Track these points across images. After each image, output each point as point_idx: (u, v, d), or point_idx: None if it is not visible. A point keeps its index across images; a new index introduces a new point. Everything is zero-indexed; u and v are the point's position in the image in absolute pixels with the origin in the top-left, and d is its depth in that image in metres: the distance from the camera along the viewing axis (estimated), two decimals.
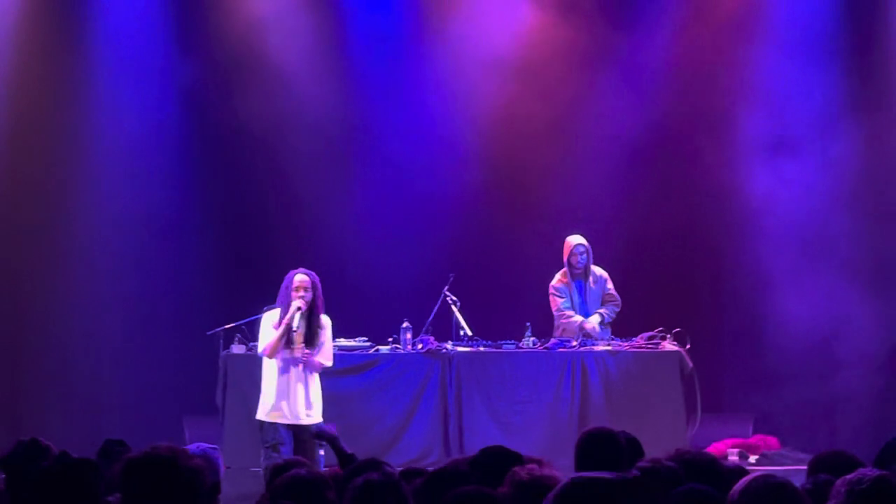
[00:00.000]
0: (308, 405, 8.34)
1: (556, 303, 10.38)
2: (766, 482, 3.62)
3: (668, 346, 10.10)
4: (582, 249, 10.31)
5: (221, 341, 9.92)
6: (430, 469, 4.69)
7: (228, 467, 8.19)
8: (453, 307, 10.18)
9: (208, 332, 9.92)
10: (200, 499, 3.51)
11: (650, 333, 10.17)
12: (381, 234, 11.93)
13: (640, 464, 4.50)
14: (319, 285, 8.39)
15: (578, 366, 9.92)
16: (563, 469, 4.50)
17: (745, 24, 11.80)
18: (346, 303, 11.51)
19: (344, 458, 6.12)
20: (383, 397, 9.85)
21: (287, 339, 8.28)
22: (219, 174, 11.91)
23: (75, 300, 11.45)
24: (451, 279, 10.26)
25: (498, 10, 11.98)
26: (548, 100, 11.87)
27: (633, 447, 5.37)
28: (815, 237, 11.49)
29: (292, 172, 11.96)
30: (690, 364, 9.96)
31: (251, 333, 9.83)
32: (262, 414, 8.37)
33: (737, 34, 11.78)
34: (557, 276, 10.45)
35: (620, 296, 10.49)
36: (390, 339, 10.10)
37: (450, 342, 10.12)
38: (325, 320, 8.44)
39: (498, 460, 4.58)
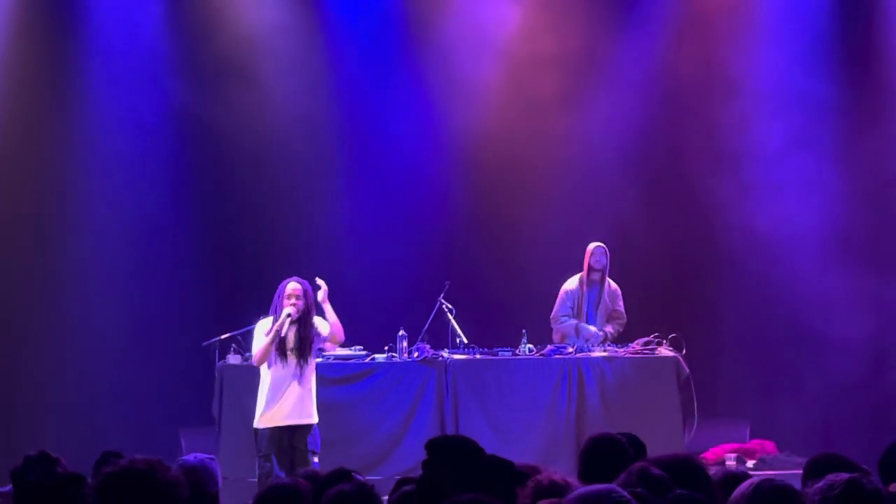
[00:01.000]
0: (302, 409, 8.43)
1: (558, 308, 10.41)
2: (768, 485, 3.63)
3: (665, 351, 10.11)
4: (602, 250, 10.36)
5: (217, 352, 9.91)
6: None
7: (225, 478, 8.19)
8: (449, 315, 10.19)
9: (204, 343, 9.90)
10: None
11: (646, 339, 10.18)
12: (375, 243, 11.92)
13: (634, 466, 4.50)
14: (312, 293, 8.51)
15: (575, 372, 9.93)
16: (559, 475, 4.50)
17: (740, 27, 11.80)
18: (341, 312, 11.48)
19: None
20: (380, 406, 9.84)
21: (280, 347, 8.35)
22: (213, 185, 11.89)
23: (71, 312, 11.42)
24: (447, 287, 10.26)
25: (489, 14, 11.98)
26: (541, 106, 11.88)
27: (636, 448, 5.36)
28: (812, 241, 11.50)
29: (286, 182, 11.96)
30: (687, 369, 9.97)
31: (247, 344, 9.82)
32: (256, 422, 8.48)
33: (731, 37, 11.78)
34: (574, 279, 10.47)
35: None
36: (386, 348, 10.10)
37: (446, 350, 10.12)
38: (319, 321, 8.56)
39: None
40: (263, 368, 8.55)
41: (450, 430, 9.77)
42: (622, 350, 10.16)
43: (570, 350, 10.12)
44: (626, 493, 3.54)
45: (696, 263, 11.94)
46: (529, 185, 11.99)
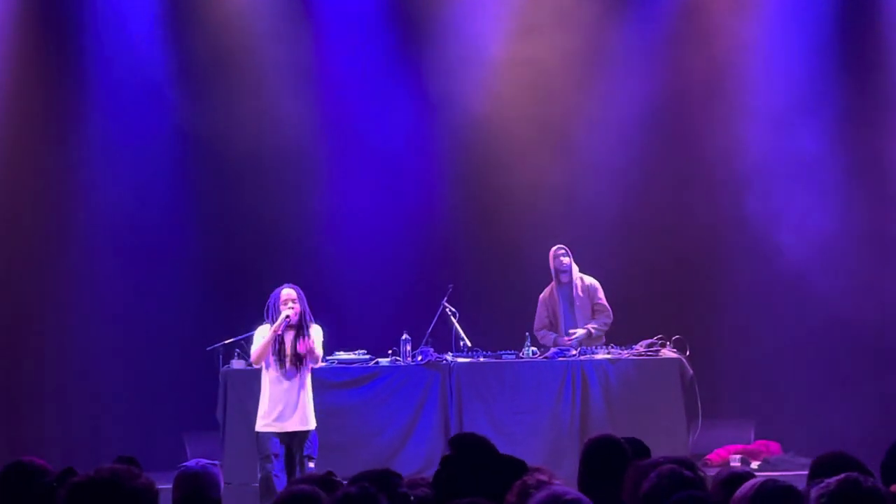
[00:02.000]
0: (300, 415, 8.50)
1: (536, 321, 10.55)
2: (771, 485, 3.63)
3: (668, 353, 10.10)
4: (562, 252, 10.40)
5: (221, 357, 9.92)
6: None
7: (229, 483, 8.21)
8: (452, 318, 10.19)
9: (208, 348, 9.91)
10: None
11: (650, 341, 10.17)
12: (378, 247, 11.93)
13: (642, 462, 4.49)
14: (305, 299, 8.64)
15: (578, 374, 9.92)
16: (564, 477, 4.50)
17: (745, 22, 11.78)
18: (345, 316, 11.53)
19: None
20: (384, 409, 9.85)
21: (279, 353, 8.47)
22: (214, 191, 11.90)
23: (74, 317, 11.43)
24: (450, 290, 10.27)
25: (488, 11, 11.98)
26: (542, 106, 11.87)
27: (640, 451, 5.36)
28: (817, 240, 11.48)
29: (287, 187, 11.96)
30: (690, 371, 9.95)
31: (250, 349, 9.84)
32: (259, 425, 8.57)
33: (736, 31, 11.76)
34: (546, 289, 10.52)
35: (619, 304, 10.50)
36: (390, 352, 10.10)
37: (449, 353, 10.12)
38: (316, 329, 8.64)
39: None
40: (263, 373, 8.58)
41: (454, 433, 9.76)
42: (626, 352, 10.15)
43: (574, 352, 10.12)
44: (580, 496, 3.56)
45: (699, 264, 11.92)
46: (531, 188, 11.98)
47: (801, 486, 3.97)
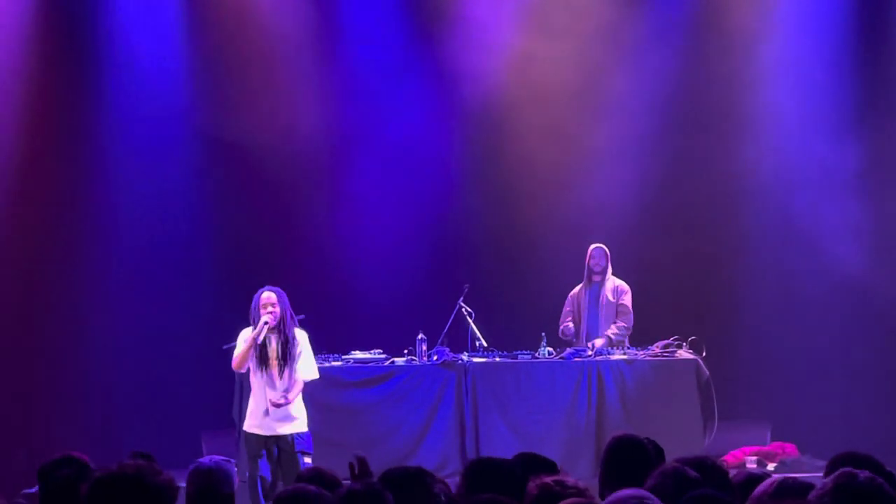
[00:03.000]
0: (285, 418, 8.45)
1: (562, 316, 10.54)
2: (789, 484, 3.64)
3: (684, 354, 10.08)
4: (600, 252, 10.42)
5: None
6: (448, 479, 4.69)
7: (244, 481, 8.24)
8: (468, 318, 10.19)
9: (224, 347, 9.91)
10: None
11: (666, 342, 10.16)
12: (394, 247, 11.94)
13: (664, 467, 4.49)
14: (287, 301, 8.53)
15: (594, 375, 9.91)
16: (579, 478, 4.50)
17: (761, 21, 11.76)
18: (361, 315, 11.57)
19: None
20: (400, 409, 9.85)
21: (261, 356, 8.44)
22: (232, 190, 11.94)
23: (92, 316, 11.48)
24: (466, 290, 10.27)
25: (505, 6, 11.96)
26: (557, 104, 11.86)
27: (658, 455, 5.36)
28: (834, 242, 11.45)
29: (304, 189, 11.99)
30: (706, 372, 9.94)
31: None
32: (246, 425, 8.60)
33: (752, 30, 11.73)
34: (577, 286, 10.52)
35: (635, 304, 10.49)
36: (406, 351, 10.11)
37: (465, 353, 10.12)
38: (299, 333, 8.57)
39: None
40: (250, 374, 8.57)
41: (469, 433, 9.78)
42: (642, 353, 10.14)
43: (590, 353, 10.11)
44: (656, 500, 3.54)
45: (716, 265, 11.90)
46: (548, 187, 11.99)
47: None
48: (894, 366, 11.38)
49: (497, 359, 10.09)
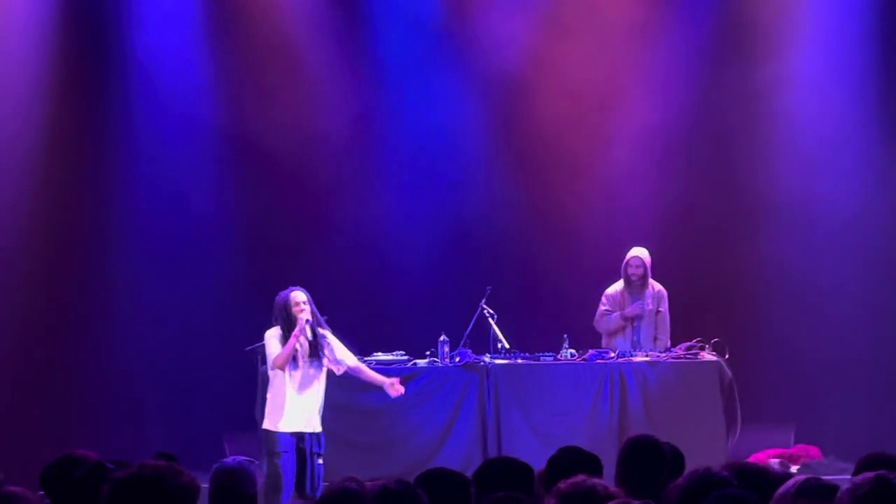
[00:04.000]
0: (310, 417, 8.57)
1: (600, 306, 10.46)
2: (813, 483, 3.62)
3: (707, 356, 10.04)
4: (638, 262, 10.35)
5: (260, 357, 9.93)
6: None
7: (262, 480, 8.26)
8: (490, 320, 10.18)
9: (247, 348, 9.94)
10: None
11: (689, 344, 10.13)
12: (417, 247, 11.93)
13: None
14: (311, 300, 8.64)
15: (617, 377, 9.88)
16: (602, 479, 4.49)
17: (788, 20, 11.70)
18: (383, 317, 11.57)
19: None
20: (422, 410, 9.85)
21: (293, 356, 8.52)
22: (255, 191, 11.95)
23: (115, 318, 11.53)
24: (489, 292, 10.26)
25: (530, 11, 11.97)
26: (582, 105, 11.83)
27: (675, 458, 5.34)
28: (859, 243, 11.41)
29: (327, 187, 12.00)
30: (730, 374, 9.90)
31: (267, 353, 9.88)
32: (269, 423, 8.58)
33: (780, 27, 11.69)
34: (616, 284, 10.48)
35: None
36: (428, 353, 10.11)
37: (487, 355, 10.11)
38: (332, 337, 8.71)
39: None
40: (276, 372, 8.61)
41: (491, 435, 9.77)
42: (665, 355, 10.11)
43: (612, 355, 10.09)
44: None
45: (739, 266, 11.85)
46: (571, 188, 11.96)
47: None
48: None
49: (519, 360, 10.08)
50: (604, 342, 10.48)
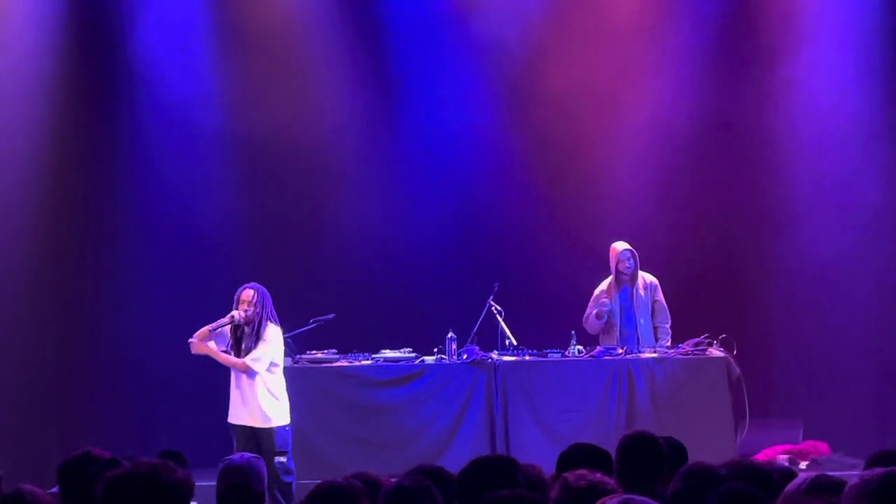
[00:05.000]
0: (253, 410, 8.79)
1: (588, 307, 10.45)
2: (822, 480, 3.62)
3: (715, 352, 10.04)
4: (628, 255, 10.35)
5: None
6: None
7: None
8: (498, 317, 10.18)
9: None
10: None
11: (697, 340, 10.11)
12: (424, 244, 11.93)
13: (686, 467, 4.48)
14: (268, 298, 8.87)
15: (625, 373, 9.88)
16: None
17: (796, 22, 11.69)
18: (391, 314, 11.57)
19: None
20: (430, 407, 9.84)
21: (234, 348, 8.85)
22: (264, 189, 11.97)
23: (127, 314, 11.57)
24: (496, 289, 10.26)
25: (547, 14, 11.96)
26: (590, 103, 11.83)
27: (676, 453, 5.34)
28: (870, 239, 11.39)
29: (337, 185, 12.01)
30: (738, 370, 9.89)
31: (297, 346, 9.89)
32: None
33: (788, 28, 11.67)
34: (603, 283, 10.48)
35: (666, 301, 10.45)
36: (436, 350, 10.11)
37: (495, 352, 10.10)
38: (271, 329, 8.84)
39: None
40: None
41: (499, 432, 9.76)
42: (672, 351, 10.11)
43: (620, 351, 10.09)
44: None
45: (747, 261, 11.85)
46: (577, 185, 11.96)
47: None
48: None
49: (527, 357, 10.08)
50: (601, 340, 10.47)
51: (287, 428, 8.86)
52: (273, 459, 8.62)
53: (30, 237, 11.12)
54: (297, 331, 9.86)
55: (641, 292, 10.39)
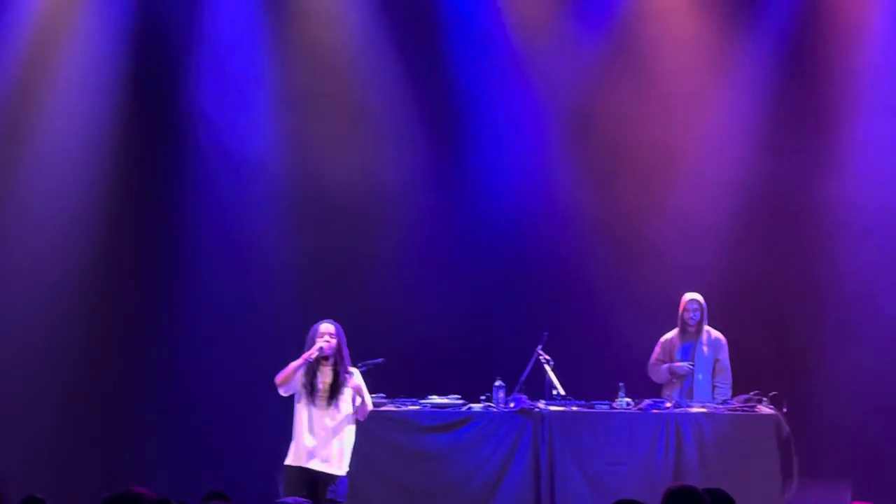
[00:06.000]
0: (327, 455, 8.45)
1: (654, 353, 10.44)
2: None
3: (765, 409, 9.96)
4: (695, 306, 10.34)
5: None
6: None
7: None
8: (546, 366, 10.16)
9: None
10: None
11: (746, 396, 10.05)
12: (473, 291, 11.96)
13: None
14: (343, 336, 8.58)
15: (673, 427, 9.82)
16: None
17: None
18: (439, 360, 11.57)
19: None
20: (476, 455, 9.82)
21: (311, 388, 8.44)
22: (314, 235, 12.04)
23: (177, 351, 11.67)
24: (545, 338, 10.24)
25: (601, 27, 12.01)
26: (661, 155, 11.83)
27: (719, 502, 5.30)
28: None
29: (387, 227, 12.06)
30: (787, 428, 9.81)
31: None
32: (287, 459, 8.56)
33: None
34: (670, 333, 10.47)
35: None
36: (483, 398, 10.10)
37: (542, 401, 10.08)
38: (358, 375, 8.63)
39: None
40: (297, 405, 8.57)
41: (545, 482, 9.72)
42: (721, 406, 10.04)
43: (669, 405, 10.03)
44: None
45: (798, 316, 11.76)
46: (627, 235, 11.94)
47: None
48: None
49: (574, 408, 10.05)
50: (661, 391, 10.45)
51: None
52: None
53: (92, 263, 11.33)
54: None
55: (704, 348, 10.35)
